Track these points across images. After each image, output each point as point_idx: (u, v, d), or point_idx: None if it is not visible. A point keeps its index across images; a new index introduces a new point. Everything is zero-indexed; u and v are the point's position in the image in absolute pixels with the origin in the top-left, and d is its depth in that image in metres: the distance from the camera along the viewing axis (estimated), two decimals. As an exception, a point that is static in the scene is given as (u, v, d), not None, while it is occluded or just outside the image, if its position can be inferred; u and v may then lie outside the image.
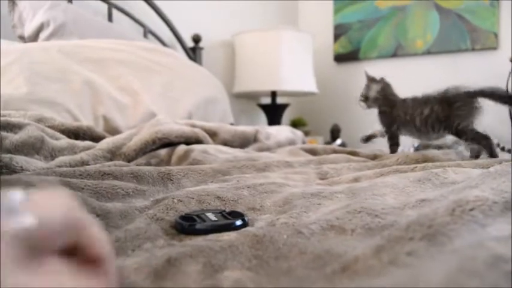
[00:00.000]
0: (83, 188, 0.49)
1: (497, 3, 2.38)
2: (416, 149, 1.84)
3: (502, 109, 2.07)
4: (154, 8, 1.95)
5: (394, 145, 1.18)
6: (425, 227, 0.32)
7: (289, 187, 0.60)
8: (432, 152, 1.03)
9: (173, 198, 0.49)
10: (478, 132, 1.00)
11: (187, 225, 0.41)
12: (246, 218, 0.45)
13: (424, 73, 2.62)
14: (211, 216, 0.44)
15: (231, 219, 0.43)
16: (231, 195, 0.55)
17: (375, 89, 1.31)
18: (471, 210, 0.36)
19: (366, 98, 1.30)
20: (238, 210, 0.52)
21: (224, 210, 0.46)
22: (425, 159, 0.85)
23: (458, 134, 1.04)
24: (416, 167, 0.72)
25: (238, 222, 0.43)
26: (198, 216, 0.43)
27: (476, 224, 0.35)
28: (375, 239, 0.35)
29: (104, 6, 1.80)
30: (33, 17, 1.44)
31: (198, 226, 0.41)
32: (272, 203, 0.53)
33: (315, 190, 0.57)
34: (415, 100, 1.17)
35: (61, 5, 1.49)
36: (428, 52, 2.58)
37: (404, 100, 1.21)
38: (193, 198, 0.51)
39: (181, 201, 0.48)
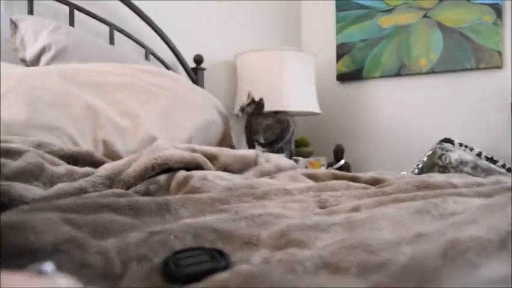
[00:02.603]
0: (82, 226, 0.49)
1: (500, 22, 2.39)
2: (421, 170, 1.84)
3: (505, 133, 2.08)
4: (155, 29, 1.97)
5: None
6: (416, 274, 0.32)
7: (286, 218, 0.60)
8: (434, 177, 1.03)
9: (169, 234, 0.49)
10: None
11: (174, 273, 0.41)
12: (227, 258, 0.44)
13: (428, 92, 2.62)
14: (198, 258, 0.43)
15: (216, 262, 0.43)
16: (228, 227, 0.54)
17: (251, 106, 1.97)
18: (464, 251, 0.36)
19: (242, 110, 1.96)
20: (235, 243, 0.51)
21: (214, 249, 0.46)
22: (426, 186, 0.84)
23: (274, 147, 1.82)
24: (416, 195, 0.71)
25: (223, 264, 0.43)
26: (184, 258, 0.43)
27: (469, 265, 0.34)
28: (368, 281, 0.35)
29: (106, 28, 1.82)
30: (35, 41, 1.45)
31: (185, 272, 0.41)
32: (268, 236, 0.53)
33: (312, 222, 0.56)
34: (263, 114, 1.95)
35: (63, 28, 1.51)
36: (432, 71, 2.58)
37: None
38: (189, 233, 0.51)
39: (177, 237, 0.48)
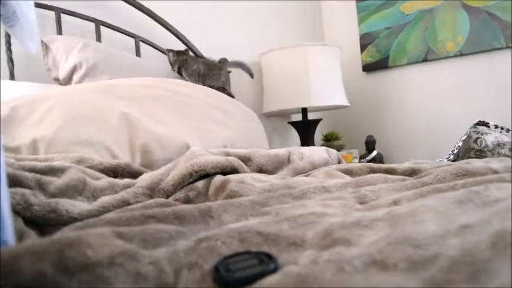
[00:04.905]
0: (132, 238, 0.50)
1: (527, -2, 2.32)
2: (456, 155, 1.80)
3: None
4: (179, 37, 2.00)
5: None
6: (468, 267, 0.32)
7: (328, 217, 0.60)
8: (472, 163, 1.01)
9: (216, 240, 0.50)
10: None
11: (226, 278, 0.42)
12: (276, 261, 0.45)
13: (457, 75, 2.57)
14: (247, 262, 0.44)
15: (265, 265, 0.44)
16: (271, 229, 0.55)
17: (177, 59, 1.82)
18: (513, 241, 0.36)
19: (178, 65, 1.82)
20: (281, 245, 0.52)
21: (262, 253, 0.47)
22: (465, 173, 0.84)
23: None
24: (456, 184, 0.71)
25: (272, 267, 0.43)
26: (234, 263, 0.44)
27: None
28: (419, 276, 0.35)
29: (131, 40, 1.87)
30: (66, 60, 1.50)
31: (237, 276, 0.42)
32: (313, 235, 0.54)
33: (354, 219, 0.57)
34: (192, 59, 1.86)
35: (91, 45, 1.55)
36: (460, 54, 2.53)
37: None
38: (234, 238, 0.52)
39: (224, 243, 0.49)
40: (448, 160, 1.79)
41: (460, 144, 1.86)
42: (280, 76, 2.31)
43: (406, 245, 0.45)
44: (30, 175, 0.81)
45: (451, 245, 0.45)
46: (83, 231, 0.47)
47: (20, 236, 0.63)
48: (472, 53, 2.50)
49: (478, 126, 1.89)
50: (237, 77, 2.30)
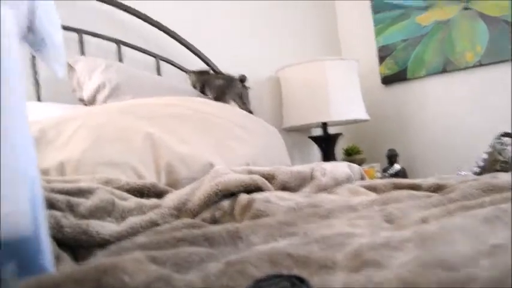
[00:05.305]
0: (165, 262, 0.52)
1: (546, 5, 2.30)
2: (482, 168, 1.78)
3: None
4: (198, 55, 2.04)
5: None
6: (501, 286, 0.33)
7: (356, 237, 0.61)
8: (498, 177, 1.00)
9: (247, 262, 0.51)
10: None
11: None
12: (308, 284, 0.45)
13: (477, 86, 2.54)
14: (279, 285, 0.45)
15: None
16: (301, 251, 0.56)
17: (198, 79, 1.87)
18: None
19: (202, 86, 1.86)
20: (311, 267, 0.53)
21: (293, 276, 0.47)
22: (492, 188, 0.83)
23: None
24: (484, 201, 0.71)
25: None
26: (266, 286, 0.45)
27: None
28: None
29: (152, 59, 1.91)
30: (90, 80, 1.54)
31: None
32: (343, 257, 0.54)
33: (383, 239, 0.57)
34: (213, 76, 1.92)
35: (114, 65, 1.59)
36: (480, 64, 2.50)
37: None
38: (265, 260, 0.53)
39: (254, 265, 0.50)
40: (474, 173, 1.77)
41: (485, 156, 1.84)
42: (299, 91, 2.33)
43: (437, 267, 0.45)
44: (60, 197, 0.83)
45: (483, 266, 0.45)
46: (118, 257, 0.48)
47: (55, 260, 0.64)
48: (491, 63, 2.48)
49: (502, 138, 1.86)
50: (255, 93, 2.32)
